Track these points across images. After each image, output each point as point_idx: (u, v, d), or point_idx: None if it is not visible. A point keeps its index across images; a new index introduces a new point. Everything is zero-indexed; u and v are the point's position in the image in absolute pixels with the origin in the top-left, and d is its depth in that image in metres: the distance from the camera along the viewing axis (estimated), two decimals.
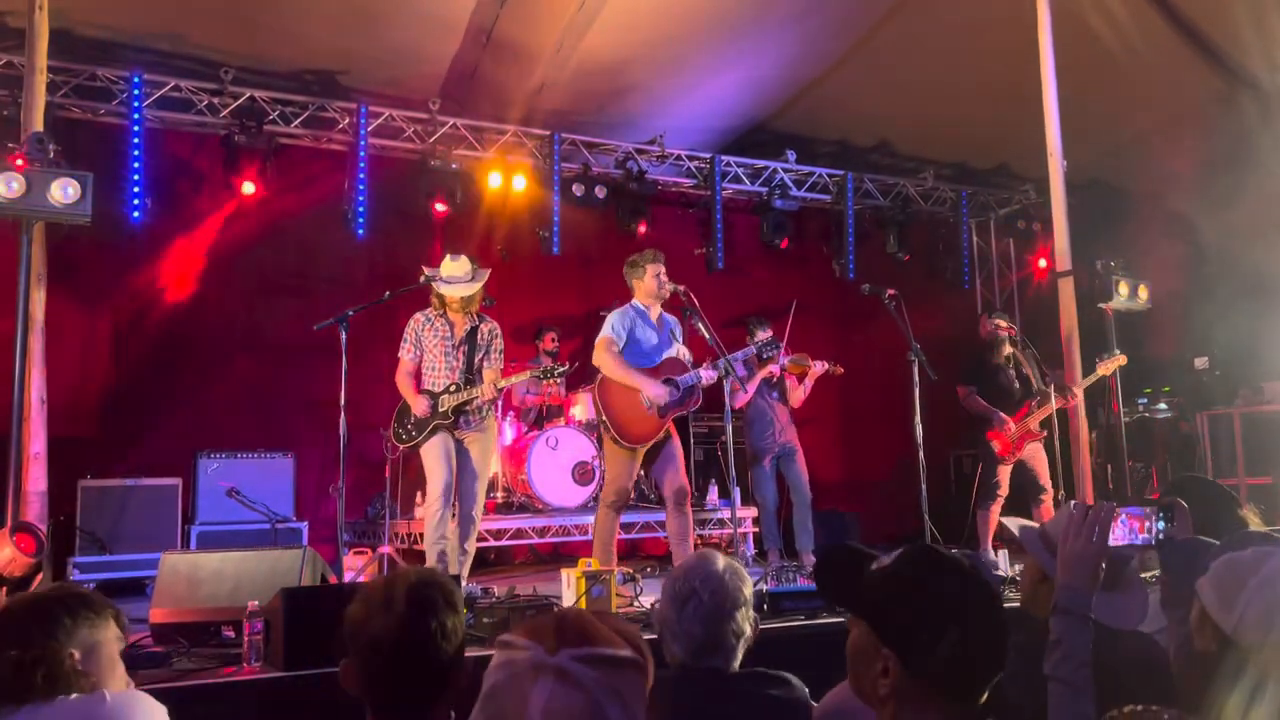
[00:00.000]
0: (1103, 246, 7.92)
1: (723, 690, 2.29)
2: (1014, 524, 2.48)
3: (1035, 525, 2.46)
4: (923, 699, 1.57)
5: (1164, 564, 2.23)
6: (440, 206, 7.87)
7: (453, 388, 5.43)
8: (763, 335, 7.21)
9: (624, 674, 1.19)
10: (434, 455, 5.40)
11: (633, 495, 5.82)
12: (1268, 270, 8.44)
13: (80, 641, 1.98)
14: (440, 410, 5.41)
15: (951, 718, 1.57)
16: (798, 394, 7.43)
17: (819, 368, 7.32)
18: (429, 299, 5.59)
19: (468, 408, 5.45)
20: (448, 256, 5.49)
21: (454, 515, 5.48)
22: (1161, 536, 2.33)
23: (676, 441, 5.64)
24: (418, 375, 5.54)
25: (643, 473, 6.05)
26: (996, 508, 6.73)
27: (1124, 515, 2.21)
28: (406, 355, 5.52)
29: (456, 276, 5.45)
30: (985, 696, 1.59)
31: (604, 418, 5.46)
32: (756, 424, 7.40)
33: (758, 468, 7.43)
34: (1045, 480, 6.81)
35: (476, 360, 5.52)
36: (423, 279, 5.65)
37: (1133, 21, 7.04)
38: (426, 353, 5.52)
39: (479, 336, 5.55)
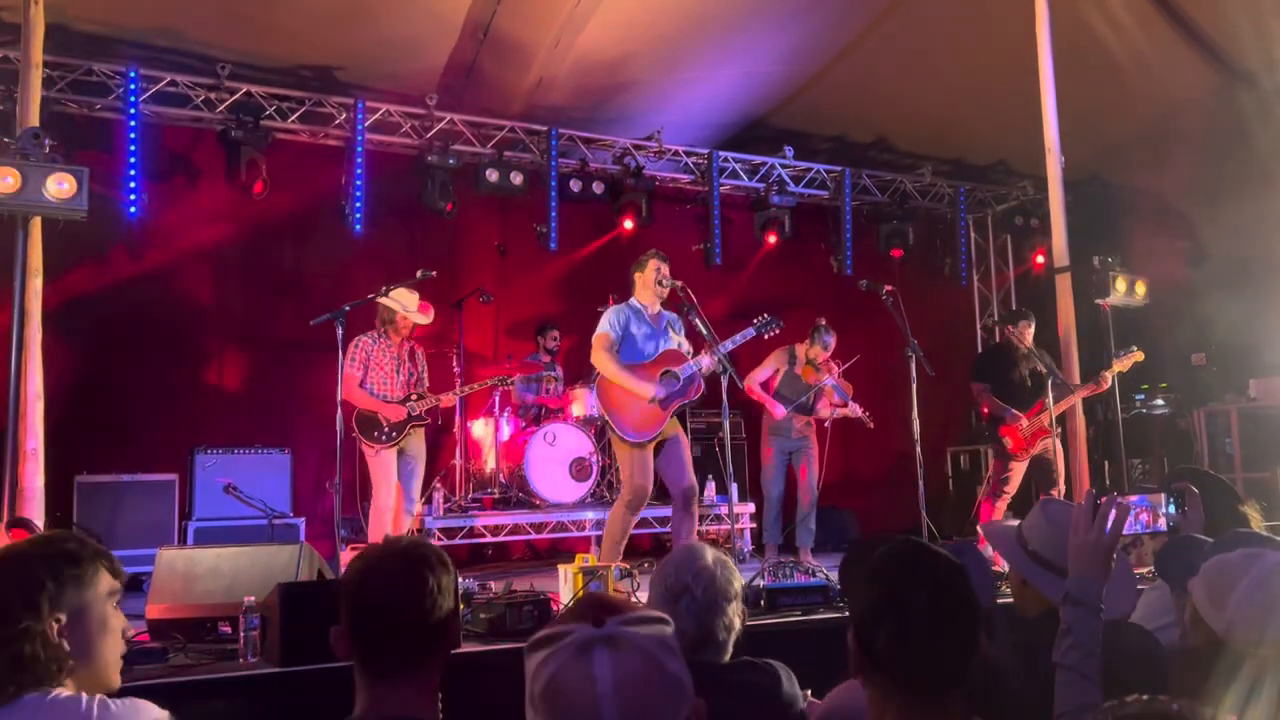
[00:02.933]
0: (1100, 243, 7.92)
1: (713, 682, 2.29)
2: (991, 534, 2.48)
3: (1009, 527, 2.45)
4: (878, 683, 1.60)
5: (1158, 563, 2.24)
6: (444, 203, 7.84)
7: (415, 396, 6.13)
8: (820, 348, 7.27)
9: (666, 629, 1.22)
10: (383, 469, 6.00)
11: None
12: (1265, 266, 8.45)
13: (66, 604, 1.79)
14: (416, 415, 6.08)
15: (910, 706, 1.57)
16: (824, 411, 7.43)
17: (854, 409, 7.33)
18: (373, 321, 6.17)
19: (427, 416, 6.19)
20: (404, 289, 6.02)
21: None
22: (1172, 522, 2.34)
23: (684, 438, 5.64)
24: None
25: None
26: (1002, 504, 6.74)
27: (1131, 507, 2.22)
28: (357, 372, 6.01)
29: (411, 308, 6.10)
30: (956, 695, 1.59)
31: (605, 415, 5.48)
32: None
33: (769, 456, 7.43)
34: (1059, 473, 6.81)
35: (418, 375, 6.26)
36: (419, 274, 5.75)
37: (1131, 18, 7.03)
38: (375, 369, 6.07)
39: (416, 354, 6.31)
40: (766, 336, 5.83)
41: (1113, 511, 2.04)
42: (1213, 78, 7.91)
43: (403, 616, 1.80)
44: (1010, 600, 2.50)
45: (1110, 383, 6.70)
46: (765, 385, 7.42)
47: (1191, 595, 1.89)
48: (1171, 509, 2.30)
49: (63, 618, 1.77)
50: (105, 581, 1.86)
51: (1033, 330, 6.97)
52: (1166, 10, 7.22)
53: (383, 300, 6.03)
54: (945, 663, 1.57)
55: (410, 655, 1.80)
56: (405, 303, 6.09)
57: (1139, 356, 6.85)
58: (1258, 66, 7.69)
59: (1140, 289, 7.41)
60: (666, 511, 7.01)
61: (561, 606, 4.24)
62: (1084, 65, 7.09)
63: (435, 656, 1.84)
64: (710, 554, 2.41)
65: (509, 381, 6.87)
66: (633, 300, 5.72)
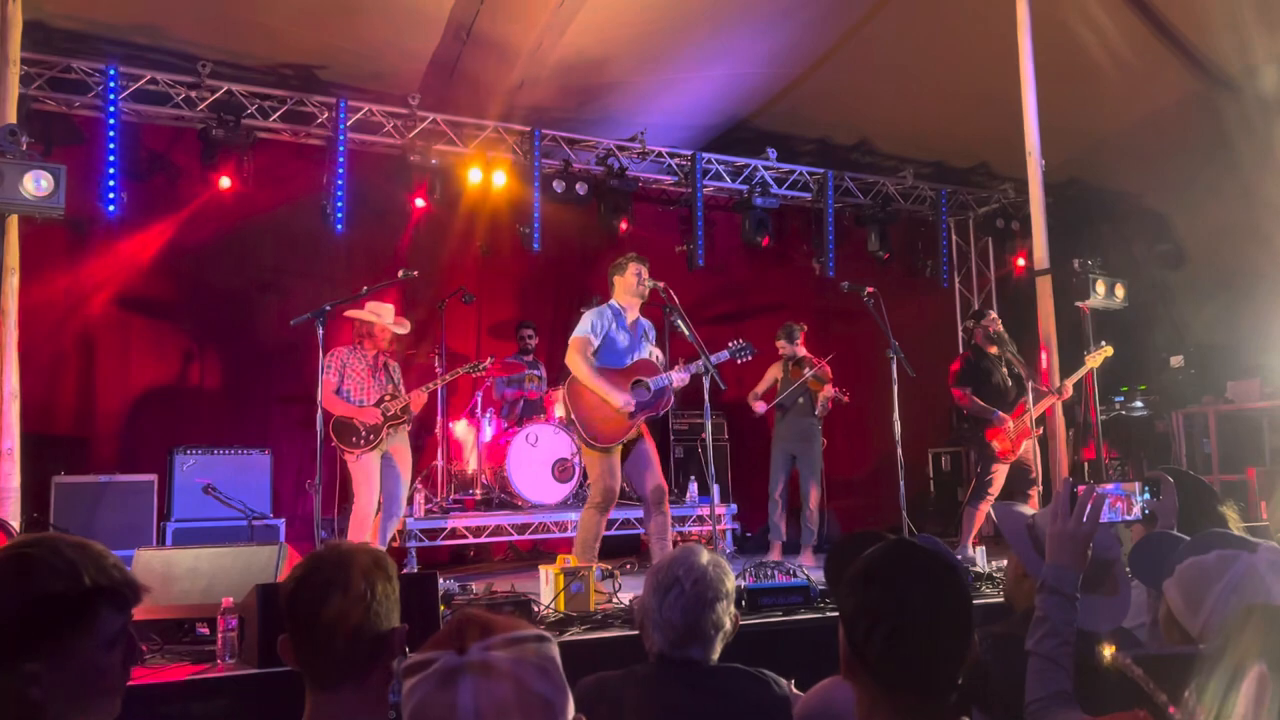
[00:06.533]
0: (1081, 246, 7.97)
1: (700, 682, 2.30)
2: (1002, 512, 2.47)
3: (1024, 513, 2.45)
4: (869, 685, 1.58)
5: (1132, 562, 2.24)
6: (420, 202, 7.84)
7: (388, 396, 6.13)
8: (785, 341, 7.52)
9: (539, 648, 1.19)
10: (365, 474, 6.02)
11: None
12: (1243, 269, 8.52)
13: (44, 653, 1.39)
14: (391, 415, 6.08)
15: (904, 709, 1.56)
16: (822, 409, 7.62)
17: (829, 390, 7.48)
18: (350, 336, 6.23)
19: (402, 415, 6.16)
20: (375, 301, 6.11)
21: (378, 512, 6.06)
22: (1147, 511, 2.35)
23: (649, 441, 5.60)
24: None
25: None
26: (985, 506, 6.77)
27: (1106, 496, 2.22)
28: (333, 379, 6.04)
29: (388, 320, 6.19)
30: (950, 697, 1.56)
31: (573, 418, 5.45)
32: (780, 419, 7.61)
33: (773, 457, 7.62)
34: (1036, 474, 6.86)
35: (394, 384, 6.27)
36: (401, 274, 5.74)
37: (1111, 23, 7.08)
38: (351, 377, 6.11)
39: (390, 366, 6.32)
40: (739, 362, 5.82)
41: (1090, 501, 2.05)
42: (1193, 83, 7.97)
43: (337, 626, 1.75)
44: (985, 601, 2.53)
45: (1070, 392, 6.75)
46: (766, 396, 7.58)
47: (1166, 597, 1.90)
48: (1145, 496, 2.31)
49: (36, 668, 1.38)
50: (107, 625, 1.44)
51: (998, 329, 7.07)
52: (1147, 16, 7.28)
53: (358, 315, 6.08)
54: (940, 664, 1.54)
55: (349, 664, 1.75)
56: (381, 314, 6.15)
57: (1109, 351, 6.91)
58: (1237, 73, 7.76)
59: (1119, 292, 7.46)
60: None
61: (543, 607, 4.23)
62: (1065, 69, 7.14)
63: (376, 663, 1.78)
64: (706, 554, 2.42)
65: (481, 367, 6.86)
66: (613, 302, 5.64)
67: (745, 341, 5.81)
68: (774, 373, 7.63)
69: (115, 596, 1.45)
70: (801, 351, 7.54)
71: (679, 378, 5.47)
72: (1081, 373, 6.82)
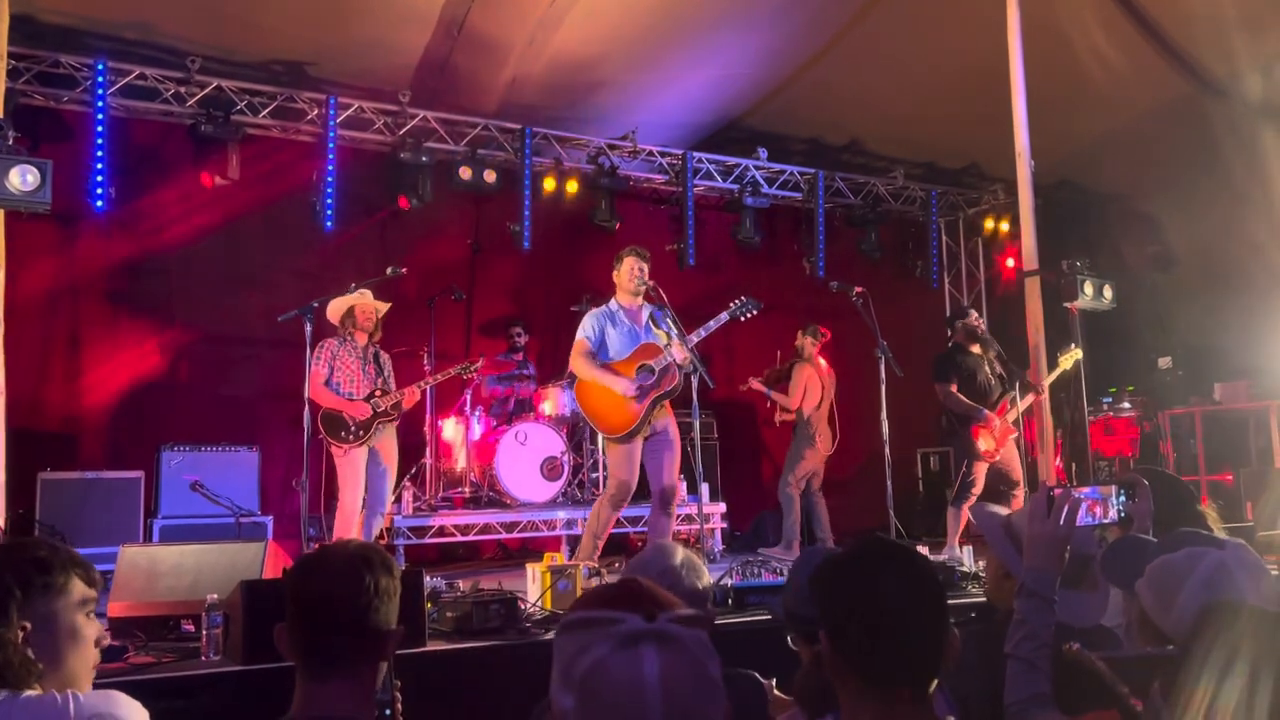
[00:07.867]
0: (1070, 247, 8.00)
1: None
2: (979, 514, 2.48)
3: (1000, 514, 2.46)
4: (851, 681, 1.57)
5: (1104, 565, 2.25)
6: (408, 199, 7.82)
7: (378, 391, 6.10)
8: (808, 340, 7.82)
9: (704, 631, 1.21)
10: (351, 469, 5.99)
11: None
12: (1231, 271, 8.56)
13: (33, 612, 1.78)
14: (381, 410, 6.04)
15: (886, 703, 1.55)
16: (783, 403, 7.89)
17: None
18: (336, 329, 6.18)
19: (393, 411, 6.14)
20: (356, 290, 6.14)
21: (363, 508, 6.04)
22: (1123, 513, 2.36)
23: (675, 435, 5.61)
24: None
25: None
26: (969, 506, 6.78)
27: (1083, 500, 2.23)
28: (323, 369, 6.02)
29: (368, 296, 6.19)
30: (929, 689, 1.56)
31: (585, 417, 5.56)
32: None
33: None
34: (1018, 475, 6.88)
35: (384, 378, 6.25)
36: (389, 271, 5.73)
37: (1102, 26, 7.11)
38: (341, 370, 6.08)
39: (381, 358, 6.29)
40: (743, 319, 5.81)
41: (1067, 504, 2.06)
42: (1183, 86, 8.00)
43: (338, 613, 1.80)
44: (971, 600, 2.52)
45: (1046, 392, 6.79)
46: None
47: (1139, 597, 1.91)
48: (1122, 498, 2.33)
49: (28, 625, 1.77)
50: (77, 590, 1.85)
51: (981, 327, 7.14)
52: (1137, 19, 7.30)
53: (339, 307, 6.07)
54: (919, 654, 1.54)
55: (344, 654, 1.79)
56: (364, 295, 6.14)
57: (1078, 353, 6.95)
58: (1224, 76, 7.79)
59: (1108, 293, 7.49)
60: (638, 511, 7.02)
61: (530, 605, 4.22)
62: (1055, 71, 7.16)
63: (370, 659, 1.83)
64: (680, 554, 2.39)
65: (472, 369, 6.90)
66: (611, 303, 5.72)
67: (746, 298, 5.80)
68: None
69: (83, 570, 1.87)
70: (807, 353, 7.78)
71: (680, 355, 5.48)
72: (1055, 374, 6.84)
